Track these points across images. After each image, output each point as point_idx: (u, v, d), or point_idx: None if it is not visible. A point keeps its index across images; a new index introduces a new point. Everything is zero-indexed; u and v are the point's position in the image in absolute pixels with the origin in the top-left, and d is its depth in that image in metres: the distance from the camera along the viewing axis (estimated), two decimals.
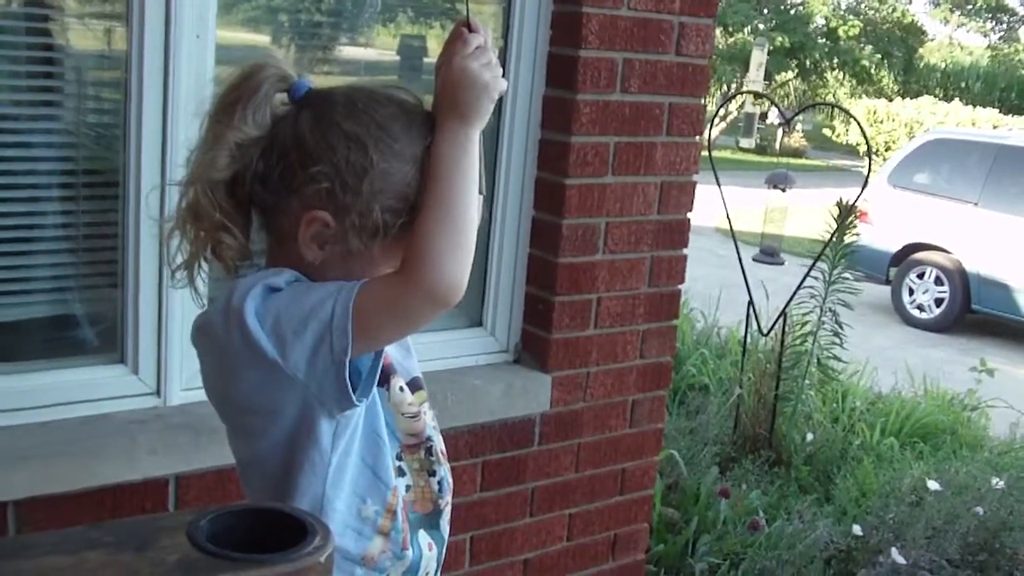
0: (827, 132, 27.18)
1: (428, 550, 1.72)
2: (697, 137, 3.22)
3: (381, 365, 1.58)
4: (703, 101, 3.21)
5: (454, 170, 1.51)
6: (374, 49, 3.06)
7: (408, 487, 1.69)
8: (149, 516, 2.31)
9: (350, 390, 1.49)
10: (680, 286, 3.34)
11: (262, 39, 2.83)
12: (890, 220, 10.84)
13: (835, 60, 29.22)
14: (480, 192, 1.58)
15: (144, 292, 2.46)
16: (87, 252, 2.57)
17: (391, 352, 1.73)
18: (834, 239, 5.52)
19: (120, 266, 2.47)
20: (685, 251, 3.30)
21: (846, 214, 5.51)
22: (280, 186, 1.55)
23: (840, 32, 28.65)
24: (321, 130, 1.54)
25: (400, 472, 1.68)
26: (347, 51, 3.01)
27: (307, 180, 1.53)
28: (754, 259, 7.05)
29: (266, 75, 1.57)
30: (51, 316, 2.54)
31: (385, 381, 1.67)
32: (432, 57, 3.15)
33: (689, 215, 3.28)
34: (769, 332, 5.59)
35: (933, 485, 4.67)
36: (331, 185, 1.52)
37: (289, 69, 1.60)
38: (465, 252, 1.51)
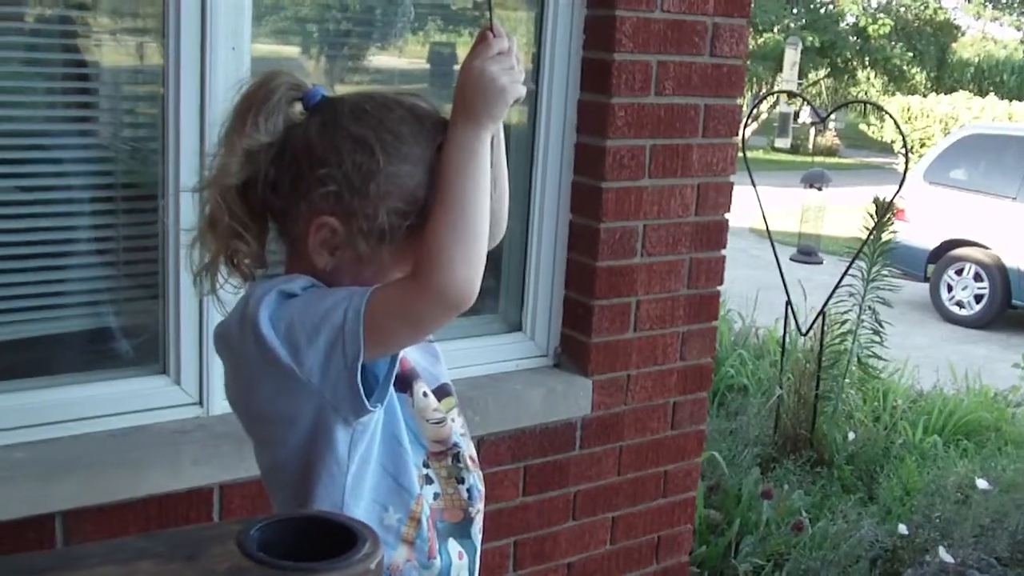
0: (863, 128, 26.99)
1: (459, 559, 1.71)
2: (733, 138, 3.20)
3: (397, 370, 1.57)
4: (738, 101, 3.19)
5: (462, 172, 1.50)
6: (404, 57, 3.07)
7: (436, 495, 1.68)
8: (198, 525, 2.32)
9: (363, 395, 1.49)
10: (719, 287, 3.32)
11: (292, 50, 2.84)
12: (927, 217, 10.75)
13: (866, 58, 29.04)
14: (499, 198, 1.57)
15: (184, 303, 2.47)
16: (127, 265, 2.58)
17: (414, 357, 1.72)
18: (872, 237, 5.48)
19: (160, 278, 2.49)
20: (723, 252, 3.28)
21: (883, 212, 5.48)
22: (290, 191, 1.56)
23: (871, 31, 28.49)
24: (329, 134, 1.54)
25: (427, 480, 1.67)
26: (377, 60, 3.02)
27: (315, 183, 1.53)
28: (791, 259, 7.02)
29: (279, 83, 1.58)
30: (93, 329, 2.56)
31: (407, 387, 1.67)
32: (460, 64, 3.17)
33: (727, 216, 3.26)
34: (808, 332, 5.55)
35: (982, 484, 4.62)
36: (338, 188, 1.52)
37: (303, 78, 1.61)
38: (476, 254, 1.49)
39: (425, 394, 1.69)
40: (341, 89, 2.90)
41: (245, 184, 1.56)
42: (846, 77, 29.96)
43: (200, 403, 2.53)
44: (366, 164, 1.52)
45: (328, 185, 1.53)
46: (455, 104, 1.54)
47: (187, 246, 1.64)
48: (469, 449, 1.75)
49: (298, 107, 1.60)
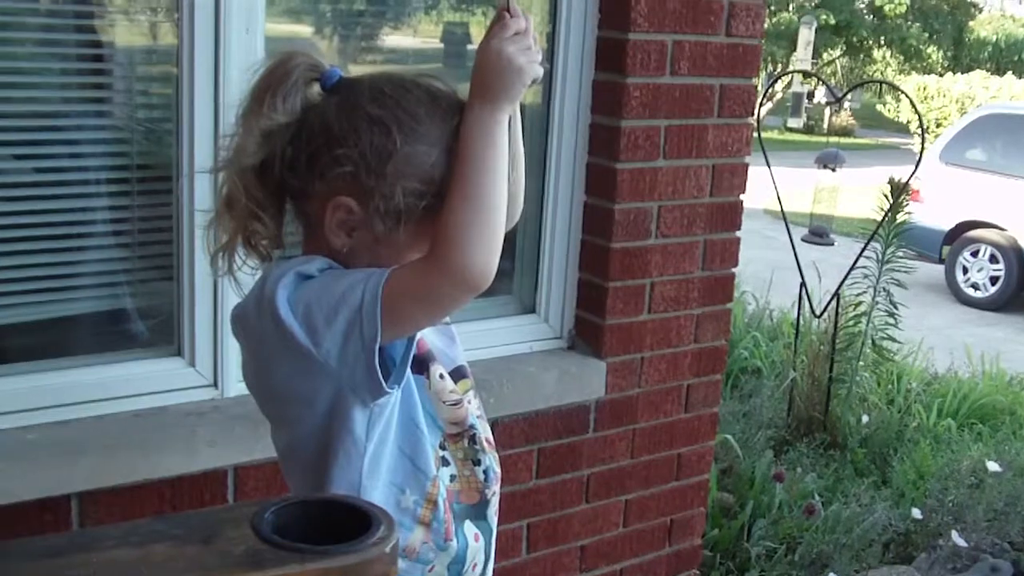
0: (879, 108, 26.86)
1: (475, 541, 1.72)
2: (749, 118, 3.19)
3: (414, 352, 1.58)
4: (754, 82, 3.18)
5: (479, 151, 1.50)
6: (417, 37, 3.06)
7: (453, 477, 1.69)
8: (214, 508, 2.33)
9: (380, 377, 1.50)
10: (733, 269, 3.32)
11: (305, 30, 2.84)
12: (942, 198, 10.70)
13: (882, 38, 28.86)
14: (516, 179, 1.57)
15: (199, 284, 2.47)
16: (142, 246, 2.59)
17: (431, 339, 1.73)
18: (887, 218, 5.46)
19: (175, 259, 2.49)
20: (738, 234, 3.28)
21: (899, 193, 5.45)
22: (307, 171, 1.56)
23: (887, 10, 28.31)
24: (346, 114, 1.55)
25: (444, 462, 1.68)
26: (390, 40, 3.02)
27: (332, 163, 1.54)
28: (804, 240, 6.98)
29: (296, 63, 1.58)
30: (107, 311, 2.57)
31: (424, 369, 1.67)
32: (475, 44, 3.16)
33: (742, 197, 3.25)
34: (822, 314, 5.54)
35: (993, 467, 4.62)
36: (355, 168, 1.53)
37: (320, 58, 1.61)
38: (493, 234, 1.50)
39: (442, 376, 1.70)
40: (355, 69, 2.91)
41: (262, 164, 1.57)
42: (862, 56, 29.79)
43: (215, 385, 2.54)
44: (383, 144, 1.52)
45: (345, 165, 1.53)
46: (472, 85, 1.54)
47: (204, 227, 1.64)
48: (485, 431, 1.76)
49: (316, 87, 1.60)
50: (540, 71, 1.56)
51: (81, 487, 2.27)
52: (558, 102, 2.98)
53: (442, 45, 3.19)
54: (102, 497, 2.30)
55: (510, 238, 1.63)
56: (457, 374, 1.76)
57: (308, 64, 1.59)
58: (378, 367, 1.49)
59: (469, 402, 1.74)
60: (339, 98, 1.58)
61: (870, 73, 29.58)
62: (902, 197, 5.48)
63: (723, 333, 3.35)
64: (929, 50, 29.75)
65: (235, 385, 2.53)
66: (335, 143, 1.54)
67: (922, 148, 6.02)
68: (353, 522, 1.22)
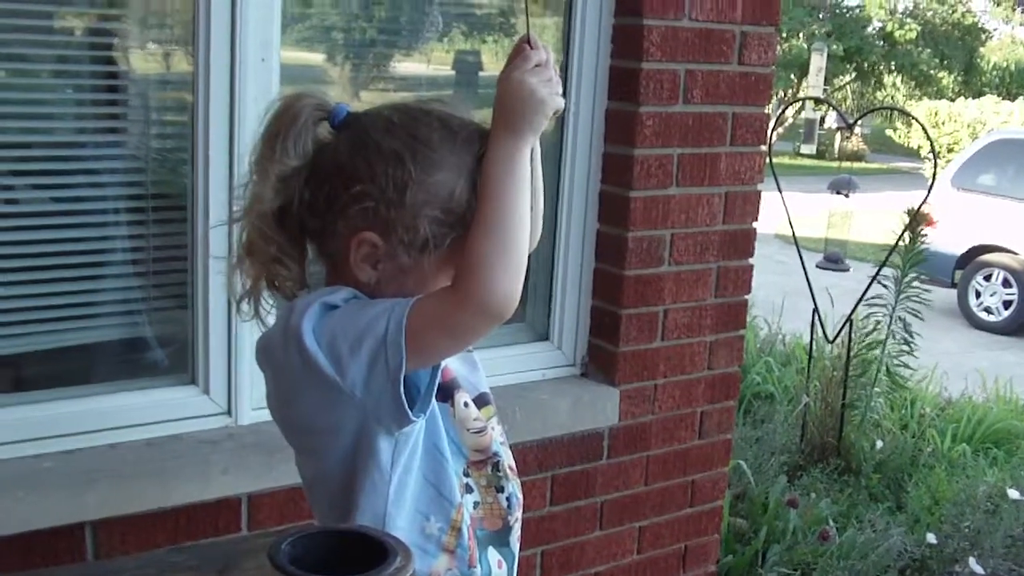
0: (890, 133, 26.85)
1: (498, 567, 1.72)
2: (761, 146, 3.19)
3: (439, 380, 1.58)
4: (766, 110, 3.18)
5: (503, 183, 1.51)
6: (429, 65, 3.07)
7: (476, 504, 1.69)
8: (230, 538, 2.33)
9: (406, 406, 1.50)
10: (747, 296, 3.31)
11: (318, 57, 2.84)
12: (955, 222, 10.65)
13: (893, 63, 28.90)
14: (534, 208, 1.57)
15: (213, 313, 2.48)
16: (157, 275, 2.60)
17: (455, 367, 1.72)
18: (903, 244, 5.45)
19: (189, 288, 2.50)
20: (751, 261, 3.28)
21: (916, 219, 5.44)
22: (326, 211, 1.57)
23: (897, 36, 28.36)
24: (359, 150, 1.55)
25: (467, 489, 1.68)
26: (402, 67, 3.02)
27: (351, 201, 1.54)
28: (818, 266, 6.99)
29: (303, 105, 1.59)
30: (122, 339, 2.57)
31: (449, 397, 1.67)
32: (487, 72, 3.19)
33: (755, 224, 3.25)
34: (835, 339, 5.53)
35: (1013, 493, 4.59)
36: (375, 203, 1.53)
37: (327, 97, 1.62)
38: (516, 265, 1.50)
39: (466, 404, 1.70)
40: (367, 96, 2.92)
41: (280, 209, 1.58)
42: (872, 82, 29.82)
43: (229, 413, 2.54)
44: (399, 176, 1.52)
45: (364, 202, 1.53)
46: (495, 116, 1.55)
47: (225, 273, 1.65)
48: (508, 458, 1.76)
49: (325, 126, 1.60)
50: (562, 103, 1.57)
51: (95, 515, 2.27)
52: (571, 130, 2.99)
53: (454, 72, 3.20)
54: (116, 525, 2.29)
55: None
56: (480, 401, 1.76)
57: (314, 104, 1.60)
58: (403, 396, 1.49)
59: (493, 428, 1.75)
60: (349, 135, 1.58)
61: (881, 99, 29.60)
62: (920, 226, 5.47)
63: (736, 360, 3.34)
64: (940, 75, 29.78)
65: (249, 413, 2.53)
66: (351, 180, 1.54)
67: (934, 173, 6.01)
68: (370, 553, 1.22)
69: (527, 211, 1.53)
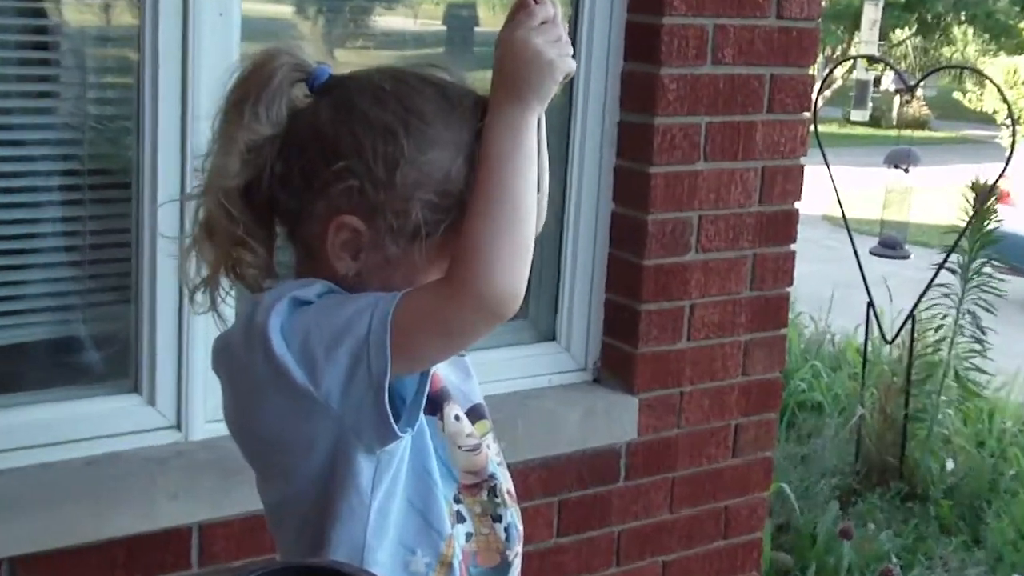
0: (958, 96, 26.84)
1: None
2: (804, 113, 3.20)
3: (428, 389, 1.57)
4: (810, 71, 3.18)
5: (507, 159, 1.51)
6: (416, 19, 3.08)
7: (469, 535, 1.69)
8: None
9: (391, 419, 1.49)
10: (788, 288, 3.32)
11: (285, 10, 2.85)
12: None
13: (963, 13, 28.86)
14: (539, 188, 1.57)
15: (161, 307, 2.48)
16: (94, 263, 2.60)
17: (444, 374, 1.72)
18: (971, 226, 5.45)
19: (134, 279, 2.50)
20: (793, 247, 3.28)
21: (985, 196, 5.44)
22: (302, 189, 1.57)
23: None
24: (343, 119, 1.55)
25: (459, 518, 1.67)
26: (384, 21, 3.03)
27: (332, 179, 1.54)
28: (872, 252, 6.99)
29: (278, 65, 1.58)
30: (52, 339, 2.58)
31: (437, 409, 1.67)
32: (483, 27, 3.19)
33: (797, 205, 3.26)
34: (894, 339, 5.53)
35: None
36: (359, 182, 1.53)
37: (305, 56, 1.62)
38: (521, 254, 1.50)
39: (457, 417, 1.70)
40: (343, 56, 2.92)
41: (248, 184, 1.57)
42: (938, 35, 29.79)
43: (178, 427, 2.54)
44: (390, 152, 1.52)
45: (347, 180, 1.53)
46: (495, 83, 1.55)
47: (177, 257, 1.65)
48: (506, 481, 1.76)
49: (302, 89, 1.60)
50: (573, 65, 1.57)
51: (17, 550, 2.26)
52: (581, 97, 2.99)
53: (445, 28, 3.21)
54: (42, 562, 2.29)
55: None
56: (474, 414, 1.76)
57: (292, 63, 1.59)
58: (388, 407, 1.48)
59: (488, 446, 1.75)
60: (332, 101, 1.58)
61: (948, 56, 29.57)
62: (989, 201, 5.47)
63: (777, 363, 3.35)
64: (1021, 26, 29.72)
65: (202, 427, 2.53)
66: (332, 155, 1.54)
67: (1012, 142, 6.01)
68: None
69: (533, 190, 1.53)
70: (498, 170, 1.51)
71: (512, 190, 1.50)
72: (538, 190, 1.56)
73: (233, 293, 1.67)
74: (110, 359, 2.56)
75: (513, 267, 1.49)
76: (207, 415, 2.53)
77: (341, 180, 1.53)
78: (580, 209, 3.05)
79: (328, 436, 1.52)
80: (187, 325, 2.48)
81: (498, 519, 1.73)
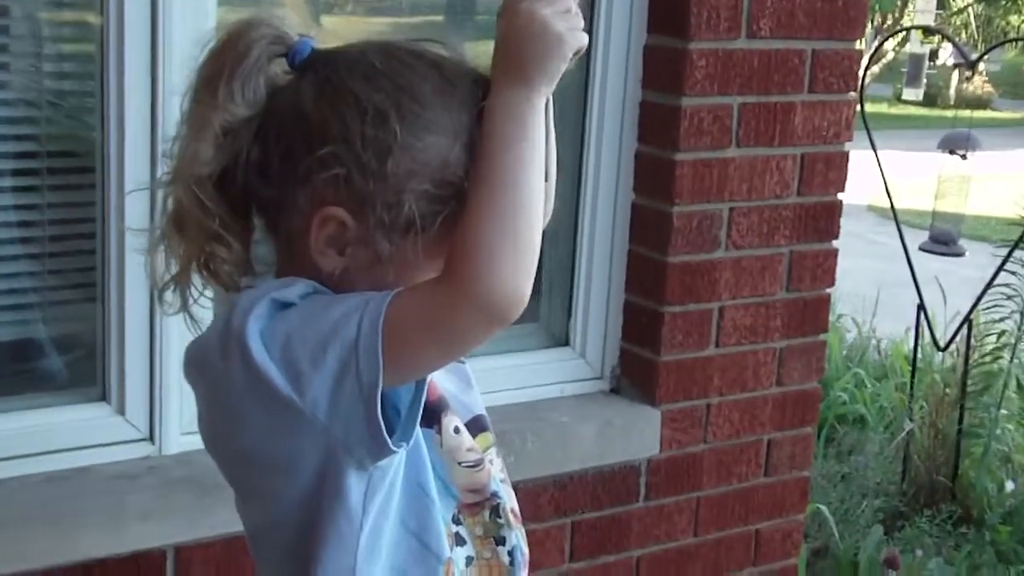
0: None
1: None
2: (851, 93, 3.21)
3: (425, 398, 1.57)
4: (858, 44, 3.19)
5: (509, 145, 1.51)
6: None
7: (469, 559, 1.70)
8: None
9: (384, 432, 1.49)
10: (829, 289, 3.34)
11: None
12: None
13: None
14: (546, 177, 1.57)
15: (131, 306, 2.49)
16: (55, 258, 2.61)
17: (442, 383, 1.74)
18: None
19: (99, 275, 2.51)
20: (835, 243, 3.30)
21: None
22: (283, 176, 1.57)
23: None
24: (328, 99, 1.55)
25: (458, 540, 1.69)
26: None
27: (315, 165, 1.53)
28: (922, 248, 6.99)
29: (255, 37, 1.58)
30: (9, 342, 2.58)
31: (435, 420, 1.68)
32: None
33: (840, 196, 3.27)
34: (948, 345, 5.53)
35: None
36: (346, 170, 1.52)
37: (286, 27, 1.61)
38: (526, 251, 1.50)
39: (457, 430, 1.71)
40: (330, 23, 2.93)
41: (222, 172, 1.57)
42: (1004, 3, 29.69)
43: (151, 439, 2.56)
44: (381, 137, 1.52)
45: (333, 167, 1.53)
46: (496, 60, 1.55)
47: (144, 252, 1.65)
48: (510, 500, 1.77)
49: (281, 64, 1.61)
50: (584, 40, 1.56)
51: None
52: (598, 73, 3.00)
53: None
54: None
55: None
56: (475, 426, 1.77)
57: (271, 36, 1.59)
58: (381, 419, 1.48)
59: (491, 462, 1.75)
60: (314, 78, 1.58)
61: (1015, 25, 29.47)
62: None
63: (815, 372, 3.36)
64: None
65: (177, 439, 2.55)
66: (316, 139, 1.54)
67: None
68: None
69: (540, 179, 1.53)
70: (500, 157, 1.51)
71: (515, 179, 1.50)
72: (545, 179, 1.56)
73: (206, 292, 1.66)
74: (74, 364, 2.57)
75: (517, 265, 1.48)
76: (183, 426, 2.54)
77: (326, 168, 1.53)
78: (596, 200, 3.07)
79: (314, 451, 1.53)
80: (160, 327, 2.49)
81: (501, 541, 1.74)
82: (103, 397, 2.55)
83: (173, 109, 2.31)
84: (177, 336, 2.47)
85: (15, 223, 2.53)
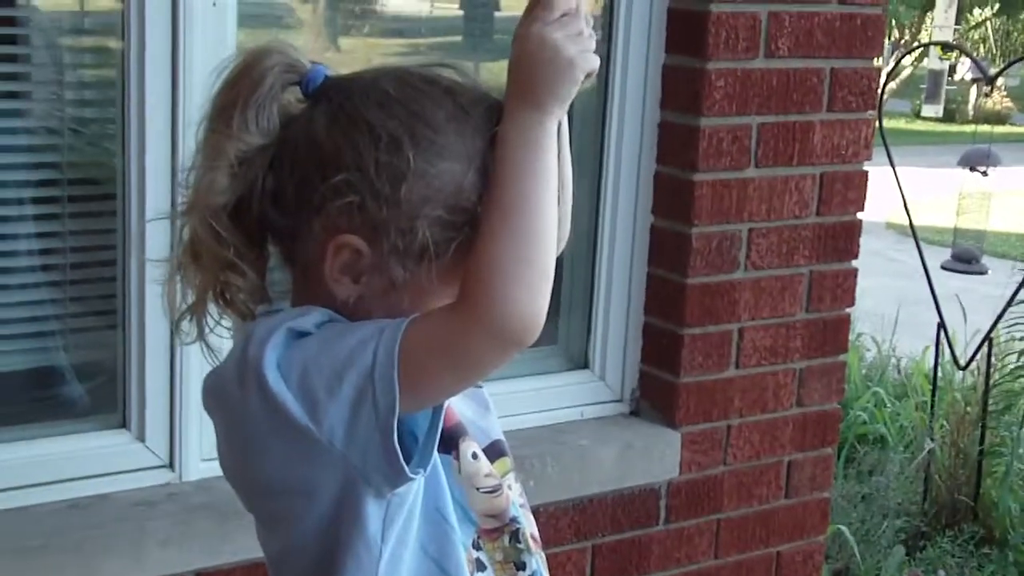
0: None
1: None
2: (870, 111, 3.21)
3: (442, 425, 1.58)
4: (876, 61, 3.18)
5: (523, 170, 1.51)
6: (431, 4, 3.09)
7: None
8: None
9: (401, 459, 1.49)
10: (849, 309, 3.33)
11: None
12: None
13: None
14: (561, 201, 1.57)
15: (151, 335, 2.50)
16: (76, 285, 2.62)
17: (460, 408, 1.74)
18: None
19: (120, 302, 2.52)
20: (855, 263, 3.30)
21: None
22: (297, 206, 1.57)
23: None
24: (341, 127, 1.55)
25: (479, 566, 1.68)
26: (395, 6, 3.04)
27: (329, 194, 1.53)
28: (944, 266, 6.97)
29: (269, 65, 1.58)
30: (30, 369, 2.60)
31: (452, 446, 1.67)
32: (504, 12, 3.19)
33: (860, 215, 3.27)
34: (969, 364, 5.52)
35: None
36: (360, 198, 1.53)
37: (299, 55, 1.62)
38: (540, 275, 1.50)
39: (475, 455, 1.70)
40: (348, 45, 2.94)
41: (237, 201, 1.58)
42: (1023, 15, 29.58)
43: (171, 466, 2.57)
44: (395, 164, 1.52)
45: (347, 195, 1.53)
46: (510, 84, 1.55)
47: (161, 283, 1.66)
48: (530, 525, 1.76)
49: (295, 93, 1.61)
50: (596, 63, 1.56)
51: None
52: (617, 94, 3.00)
53: (462, 13, 3.22)
54: None
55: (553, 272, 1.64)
56: (494, 451, 1.77)
57: (284, 64, 1.59)
58: (397, 446, 1.49)
59: (510, 487, 1.75)
60: (327, 106, 1.58)
61: None
62: None
63: (835, 393, 3.36)
64: None
65: (197, 466, 2.56)
66: (330, 167, 1.54)
67: None
68: None
69: (553, 203, 1.53)
70: (514, 182, 1.51)
71: (529, 204, 1.50)
72: (559, 202, 1.56)
73: (223, 322, 1.66)
74: (95, 391, 2.58)
75: (531, 290, 1.48)
76: (202, 453, 2.55)
77: (340, 195, 1.53)
78: (615, 221, 3.07)
79: (332, 480, 1.53)
80: (180, 354, 2.50)
81: (522, 567, 1.73)
82: (123, 424, 2.56)
83: (192, 139, 2.35)
84: (197, 363, 2.45)
85: (37, 251, 2.55)
